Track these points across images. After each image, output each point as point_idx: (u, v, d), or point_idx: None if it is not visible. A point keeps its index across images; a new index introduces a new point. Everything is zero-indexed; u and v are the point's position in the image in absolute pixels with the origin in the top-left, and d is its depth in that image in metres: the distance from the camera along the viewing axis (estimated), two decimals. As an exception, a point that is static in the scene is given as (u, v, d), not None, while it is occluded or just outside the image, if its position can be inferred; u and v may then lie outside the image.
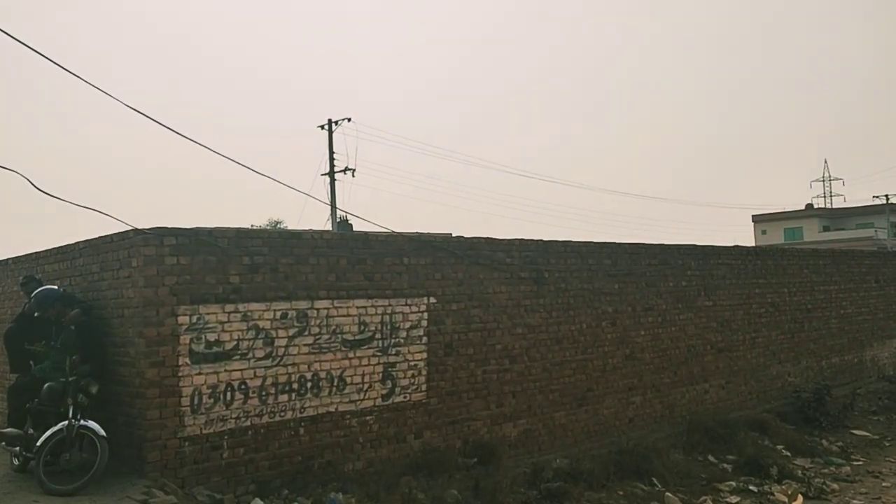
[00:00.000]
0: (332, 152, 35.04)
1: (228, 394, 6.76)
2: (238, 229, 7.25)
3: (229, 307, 6.81)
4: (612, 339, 10.49)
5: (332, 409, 7.44)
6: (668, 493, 8.48)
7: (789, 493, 3.40)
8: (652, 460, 9.27)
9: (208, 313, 6.67)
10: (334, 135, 35.23)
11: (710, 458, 10.03)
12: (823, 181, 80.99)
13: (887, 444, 11.59)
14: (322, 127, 35.36)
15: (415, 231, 8.85)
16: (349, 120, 34.86)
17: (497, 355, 8.96)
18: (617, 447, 9.63)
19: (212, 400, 6.64)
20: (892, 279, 17.70)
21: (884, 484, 9.43)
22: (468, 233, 9.07)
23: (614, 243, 10.86)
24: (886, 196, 63.79)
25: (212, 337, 6.69)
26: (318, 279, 7.45)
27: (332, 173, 34.84)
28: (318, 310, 7.41)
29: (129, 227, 6.55)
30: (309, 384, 7.28)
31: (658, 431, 10.74)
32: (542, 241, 9.72)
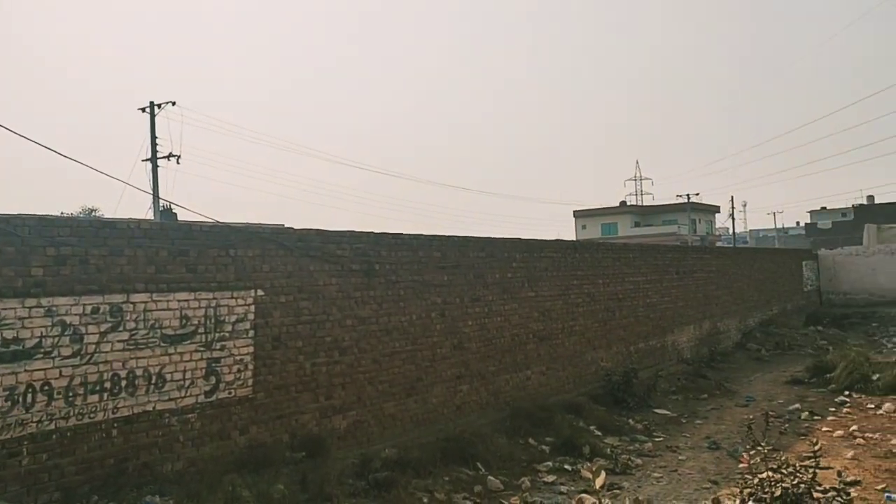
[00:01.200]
0: (153, 136, 32.95)
1: (29, 395, 6.20)
2: (41, 217, 6.63)
3: (30, 302, 6.24)
4: (440, 330, 10.76)
5: (149, 408, 7.04)
6: (490, 477, 8.86)
7: (594, 469, 3.72)
8: (477, 446, 9.63)
9: (5, 309, 6.08)
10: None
11: (531, 440, 10.57)
12: (636, 181, 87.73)
13: (684, 421, 12.79)
14: (143, 110, 33.19)
15: (245, 222, 8.57)
16: (173, 104, 32.93)
17: (327, 347, 8.90)
18: (444, 434, 9.91)
19: (9, 403, 6.06)
20: (691, 271, 19.57)
21: (680, 457, 10.41)
22: (305, 226, 8.90)
23: (444, 236, 11.13)
24: (688, 195, 70.11)
25: (9, 334, 6.09)
26: (135, 271, 7.01)
27: (154, 159, 32.79)
28: (134, 304, 6.97)
29: None
30: (123, 383, 6.84)
31: (484, 417, 11.17)
32: (373, 233, 9.76)
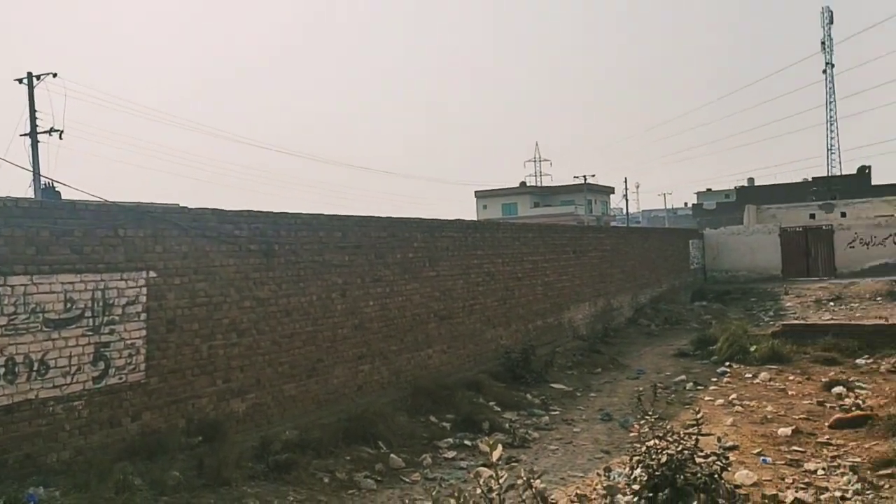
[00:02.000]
0: (32, 110, 30.88)
1: None
2: None
3: None
4: (342, 310, 10.70)
5: (31, 396, 6.68)
6: (392, 455, 8.94)
7: (490, 443, 3.84)
8: (378, 425, 9.68)
9: None
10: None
11: (432, 418, 10.72)
12: (535, 162, 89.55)
13: (579, 395, 13.28)
14: (21, 81, 31.02)
15: (137, 202, 8.19)
16: (55, 75, 30.95)
17: (224, 330, 8.69)
18: (346, 414, 9.91)
19: None
20: (586, 250, 20.22)
21: (575, 429, 10.83)
22: (202, 205, 8.62)
23: (345, 216, 11.04)
24: (584, 177, 72.28)
25: None
26: (12, 252, 6.60)
27: (33, 134, 30.79)
28: (12, 287, 6.57)
29: None
30: (2, 370, 6.46)
31: (385, 397, 11.22)
32: (272, 213, 9.56)
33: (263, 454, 8.15)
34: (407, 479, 8.37)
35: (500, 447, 4.00)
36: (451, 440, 9.91)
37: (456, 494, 4.20)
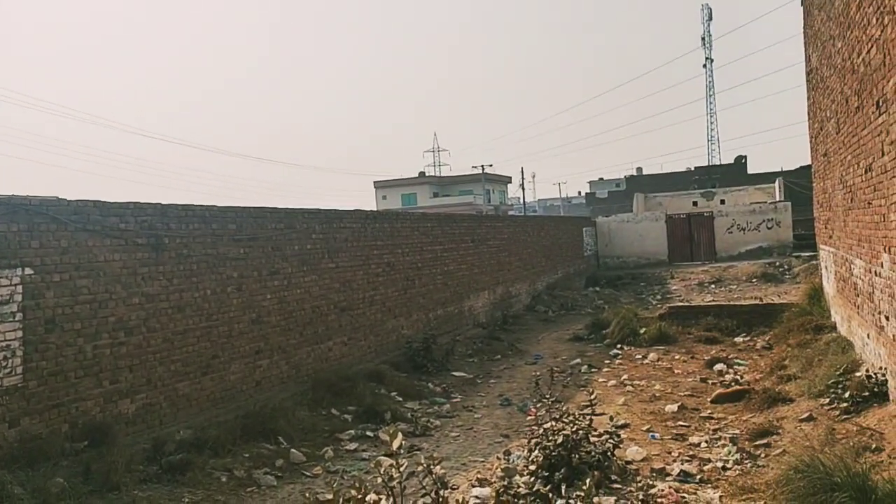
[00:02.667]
0: None
1: None
2: None
3: None
4: (238, 305, 10.42)
5: None
6: (292, 450, 8.81)
7: (390, 433, 3.86)
8: (278, 420, 9.51)
9: None
10: None
11: (334, 411, 10.63)
12: (434, 152, 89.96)
13: (479, 382, 13.50)
14: None
15: (9, 194, 7.61)
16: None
17: (110, 328, 8.29)
18: (245, 411, 9.69)
19: None
20: (485, 239, 20.54)
21: (476, 416, 11.00)
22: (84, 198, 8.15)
23: (239, 207, 10.75)
24: (482, 167, 73.21)
25: None
26: None
27: None
28: None
29: None
30: None
31: (286, 391, 11.04)
32: (160, 204, 9.18)
33: (156, 456, 7.85)
34: (308, 474, 8.27)
35: (400, 436, 4.02)
36: (352, 432, 9.86)
37: (357, 485, 4.19)
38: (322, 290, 12.52)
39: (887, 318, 7.71)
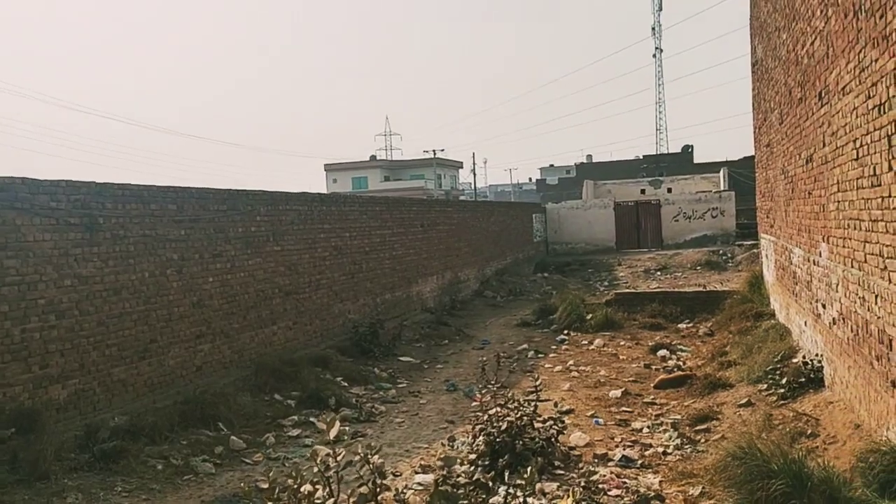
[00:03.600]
0: None
1: None
2: None
3: None
4: (178, 288, 10.11)
5: None
6: (233, 437, 8.62)
7: (328, 421, 3.74)
8: (219, 406, 9.30)
9: None
10: None
11: (277, 396, 10.45)
12: (385, 136, 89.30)
13: (426, 367, 13.45)
14: None
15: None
16: None
17: (40, 311, 7.93)
18: (184, 397, 9.44)
19: None
20: (434, 224, 20.44)
21: (421, 401, 10.95)
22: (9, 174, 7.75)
23: (180, 187, 10.40)
24: (434, 151, 73.02)
25: None
26: None
27: None
28: None
29: None
30: None
31: (228, 376, 10.79)
32: (94, 183, 8.80)
33: (89, 443, 7.58)
34: (248, 461, 8.10)
35: (337, 424, 3.91)
36: (295, 418, 9.70)
37: (294, 475, 4.07)
38: (267, 273, 12.26)
39: (824, 306, 7.89)
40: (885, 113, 5.14)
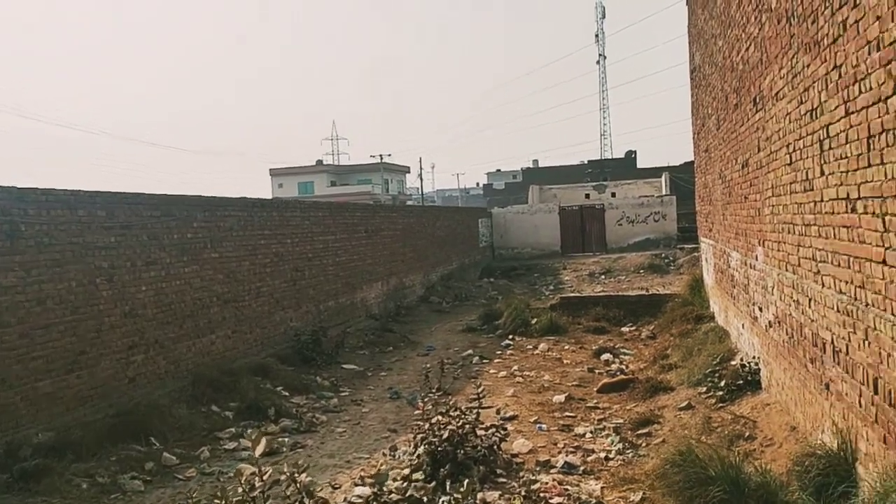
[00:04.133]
0: None
1: None
2: None
3: None
4: (108, 297, 9.71)
5: None
6: (165, 452, 8.28)
7: (253, 437, 3.56)
8: (152, 419, 8.97)
9: None
10: None
11: (214, 407, 10.12)
12: (332, 140, 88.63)
13: (370, 374, 13.24)
14: None
15: None
16: None
17: (-44, 324, 7.50)
18: (116, 410, 9.08)
19: None
20: (379, 229, 20.24)
21: (364, 410, 10.75)
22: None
23: (109, 192, 9.99)
24: (381, 156, 72.70)
25: None
26: None
27: None
28: None
29: None
30: None
31: (163, 388, 10.41)
32: (15, 188, 8.36)
33: (8, 462, 7.17)
34: (181, 476, 7.78)
35: (263, 440, 3.73)
36: (233, 430, 9.40)
37: (219, 494, 3.86)
38: (204, 281, 11.90)
39: (760, 309, 8.00)
40: (816, 118, 5.21)
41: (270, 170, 79.24)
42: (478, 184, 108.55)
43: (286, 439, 9.00)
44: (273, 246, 14.22)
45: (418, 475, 6.88)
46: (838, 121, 4.66)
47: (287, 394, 11.25)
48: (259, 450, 3.70)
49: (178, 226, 11.31)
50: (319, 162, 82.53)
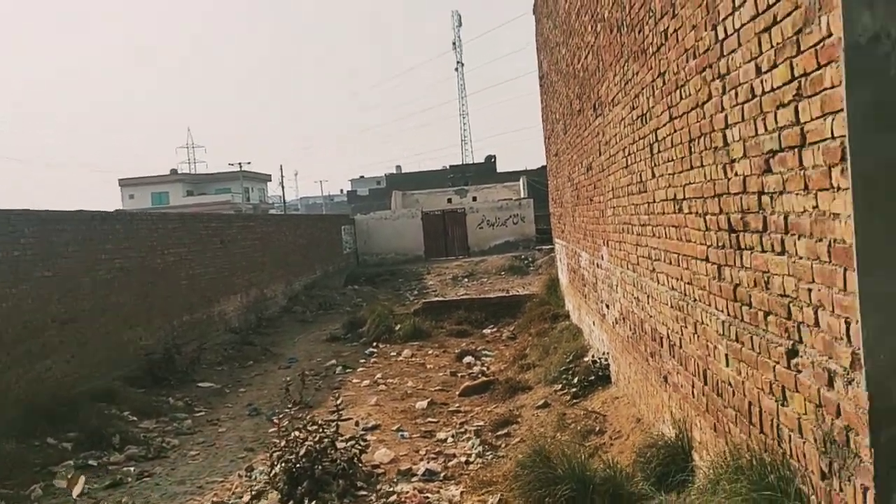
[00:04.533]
0: None
1: None
2: None
3: None
4: (-82, 325, 8.69)
5: None
6: (-12, 495, 7.49)
7: (69, 478, 3.22)
8: (-27, 460, 8.07)
9: None
10: None
11: (50, 440, 9.28)
12: (188, 148, 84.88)
13: (228, 392, 12.68)
14: None
15: None
16: None
17: None
18: (-70, 452, 8.10)
19: None
20: (236, 239, 19.52)
21: (220, 429, 10.25)
22: None
23: (-83, 209, 8.97)
24: (240, 164, 70.48)
25: None
26: None
27: None
28: None
29: None
30: None
31: (-11, 423, 9.44)
32: None
33: None
34: (8, 520, 7.07)
35: (81, 480, 3.39)
36: (71, 462, 8.62)
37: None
38: (37, 301, 10.93)
39: (608, 307, 8.34)
40: (646, 123, 5.46)
41: (120, 180, 74.87)
42: (342, 191, 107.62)
43: (132, 468, 8.38)
44: (117, 260, 13.32)
45: (273, 495, 6.62)
46: (664, 125, 4.90)
47: (135, 419, 10.53)
48: (77, 490, 3.36)
49: (2, 243, 10.33)
50: (174, 171, 78.79)
